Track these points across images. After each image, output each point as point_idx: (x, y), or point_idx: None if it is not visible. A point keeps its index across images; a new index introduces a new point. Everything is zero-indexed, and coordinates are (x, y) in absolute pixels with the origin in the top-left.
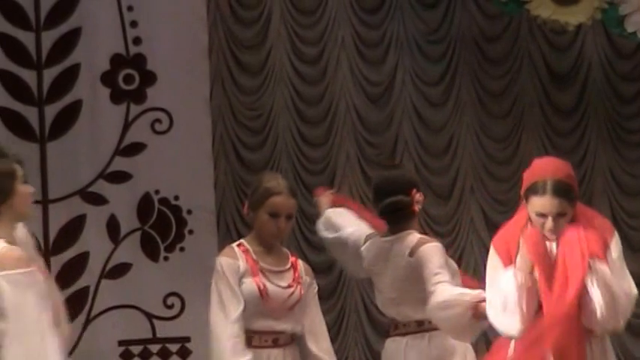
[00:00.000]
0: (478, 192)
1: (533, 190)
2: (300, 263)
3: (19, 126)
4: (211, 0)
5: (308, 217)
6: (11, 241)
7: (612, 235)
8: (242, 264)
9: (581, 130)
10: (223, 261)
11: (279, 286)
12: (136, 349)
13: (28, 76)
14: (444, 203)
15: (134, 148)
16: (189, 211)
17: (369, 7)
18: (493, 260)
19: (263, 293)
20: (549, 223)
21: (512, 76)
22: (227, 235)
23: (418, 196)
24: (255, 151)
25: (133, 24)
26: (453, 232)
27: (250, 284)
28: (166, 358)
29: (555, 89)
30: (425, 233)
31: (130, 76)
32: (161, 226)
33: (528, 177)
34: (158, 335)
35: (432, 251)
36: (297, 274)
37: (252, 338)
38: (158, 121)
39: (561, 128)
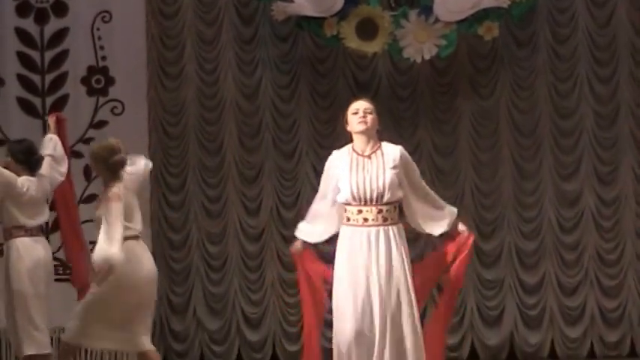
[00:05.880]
0: (311, 154)
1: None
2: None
3: (30, 109)
4: (148, 35)
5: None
6: None
7: None
8: None
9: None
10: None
11: None
12: None
13: (36, 78)
14: (290, 160)
15: (101, 124)
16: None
17: (245, 39)
18: None
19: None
20: None
21: (333, 83)
22: (156, 182)
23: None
24: (174, 127)
25: (101, 48)
26: (293, 180)
27: None
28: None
29: (359, 92)
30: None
31: (99, 80)
32: None
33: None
34: None
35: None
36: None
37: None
38: (116, 107)
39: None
